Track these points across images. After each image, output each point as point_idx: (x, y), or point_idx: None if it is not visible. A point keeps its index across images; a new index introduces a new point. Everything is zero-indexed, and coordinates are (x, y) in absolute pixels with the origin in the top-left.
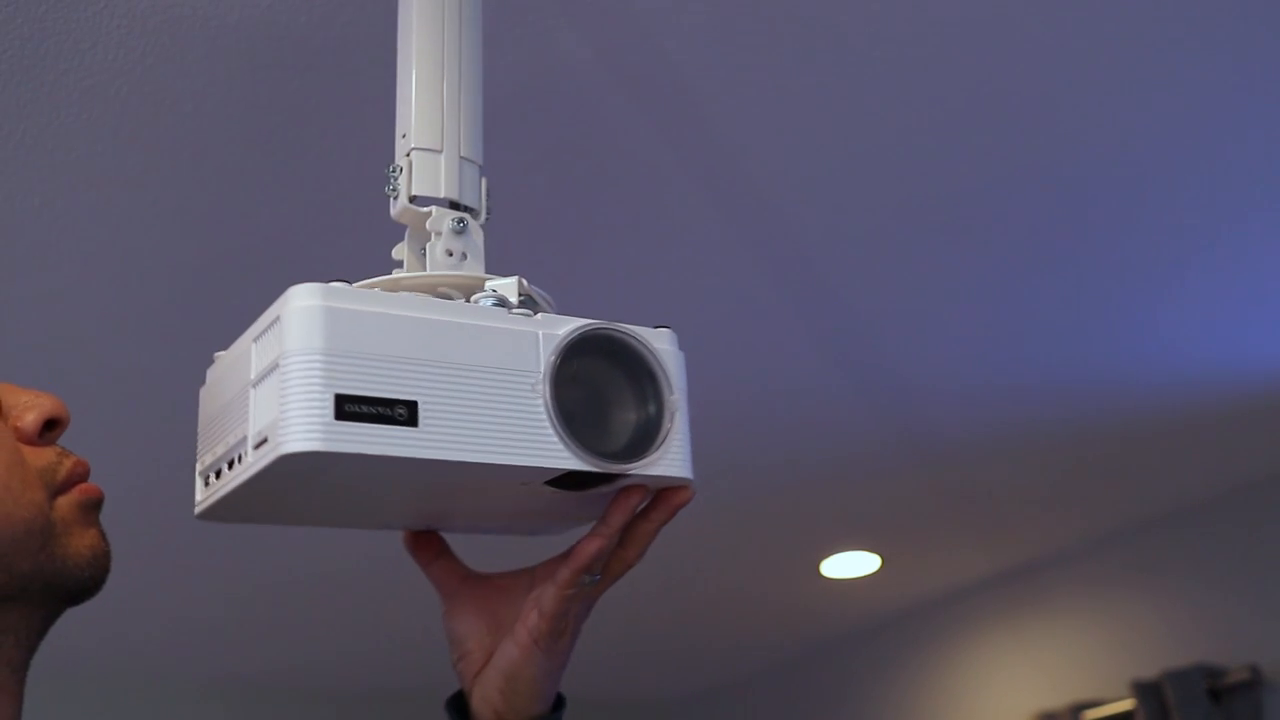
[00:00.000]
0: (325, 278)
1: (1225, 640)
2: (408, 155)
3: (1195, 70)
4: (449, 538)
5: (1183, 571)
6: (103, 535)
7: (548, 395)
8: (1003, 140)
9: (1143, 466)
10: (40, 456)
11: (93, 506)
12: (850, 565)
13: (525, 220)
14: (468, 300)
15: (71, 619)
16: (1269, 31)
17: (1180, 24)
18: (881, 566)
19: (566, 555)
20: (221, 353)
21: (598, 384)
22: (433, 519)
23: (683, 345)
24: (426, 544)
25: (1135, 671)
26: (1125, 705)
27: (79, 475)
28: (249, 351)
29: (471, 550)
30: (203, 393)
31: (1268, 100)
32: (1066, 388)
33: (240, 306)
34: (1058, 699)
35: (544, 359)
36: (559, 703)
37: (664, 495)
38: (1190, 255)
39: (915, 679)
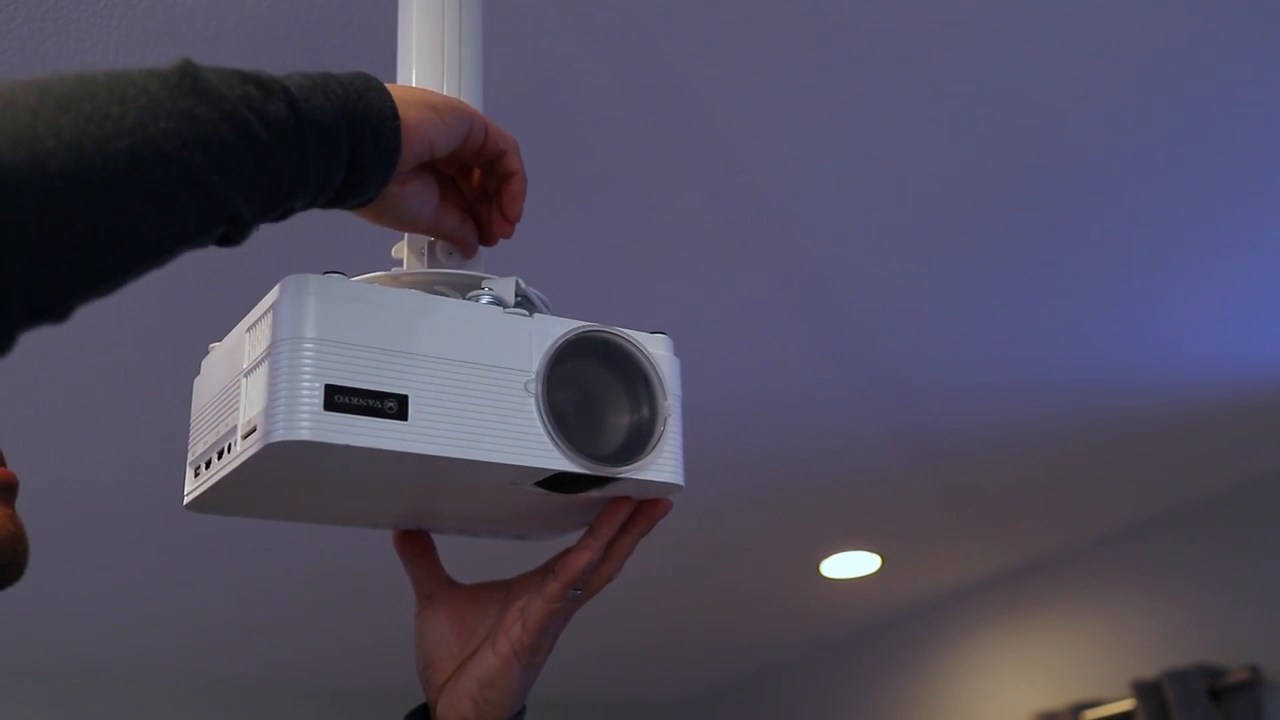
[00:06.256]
0: (323, 272)
1: (1225, 640)
2: None
3: (1199, 73)
4: (439, 546)
5: (1182, 571)
6: (13, 518)
7: (540, 395)
8: (1004, 143)
9: (1143, 466)
10: None
11: (5, 489)
12: (850, 565)
13: (525, 221)
14: (464, 298)
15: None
16: (1276, 33)
17: (1184, 29)
18: (881, 566)
19: (548, 569)
20: (216, 344)
21: (591, 386)
22: (421, 519)
23: (683, 345)
24: (413, 541)
25: (1135, 671)
26: (1125, 705)
27: None
28: (242, 341)
29: (458, 560)
30: (197, 383)
31: (1271, 102)
32: (1067, 388)
33: (239, 306)
34: (1058, 699)
35: (537, 359)
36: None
37: (643, 507)
38: (1190, 256)
39: (915, 679)
